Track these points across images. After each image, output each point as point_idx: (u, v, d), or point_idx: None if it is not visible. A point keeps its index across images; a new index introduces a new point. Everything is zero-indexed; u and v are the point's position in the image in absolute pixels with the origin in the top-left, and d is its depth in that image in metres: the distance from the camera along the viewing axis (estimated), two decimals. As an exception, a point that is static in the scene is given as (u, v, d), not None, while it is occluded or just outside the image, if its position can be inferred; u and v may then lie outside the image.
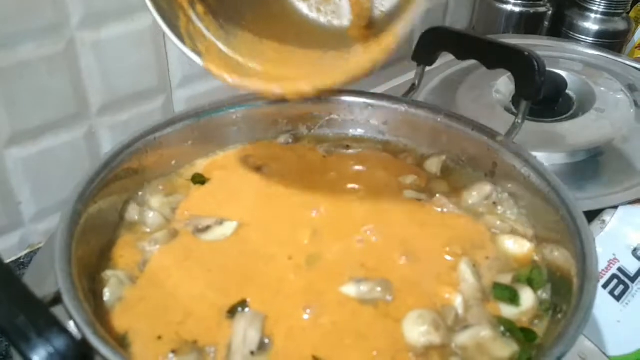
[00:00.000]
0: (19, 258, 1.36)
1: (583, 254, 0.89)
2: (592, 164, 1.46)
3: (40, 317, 0.58)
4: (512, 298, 0.94)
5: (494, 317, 0.92)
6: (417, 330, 0.87)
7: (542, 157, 1.25)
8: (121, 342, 0.85)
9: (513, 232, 1.09)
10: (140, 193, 1.14)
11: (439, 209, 1.14)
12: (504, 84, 1.76)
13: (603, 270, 1.22)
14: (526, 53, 1.17)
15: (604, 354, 1.13)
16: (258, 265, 0.99)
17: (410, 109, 1.29)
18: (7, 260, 1.32)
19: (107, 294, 0.92)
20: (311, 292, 0.94)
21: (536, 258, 1.04)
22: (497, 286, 0.97)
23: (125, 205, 1.10)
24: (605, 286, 1.20)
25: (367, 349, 0.86)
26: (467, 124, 1.23)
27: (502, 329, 0.90)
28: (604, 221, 1.27)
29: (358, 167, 1.25)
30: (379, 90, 1.88)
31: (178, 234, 1.06)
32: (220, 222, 1.07)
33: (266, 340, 0.86)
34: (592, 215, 1.28)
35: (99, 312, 0.89)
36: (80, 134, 1.47)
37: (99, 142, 1.50)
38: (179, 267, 0.99)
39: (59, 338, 0.55)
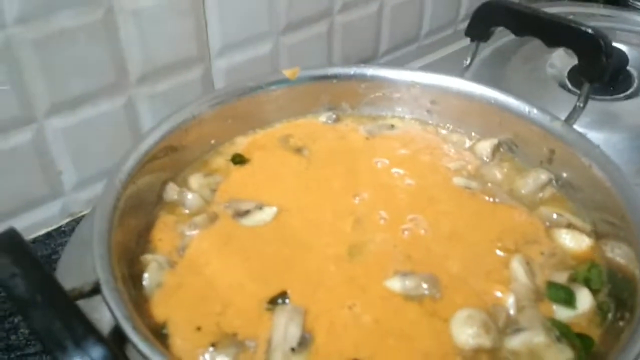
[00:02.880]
0: (60, 227, 1.36)
1: (651, 256, 0.82)
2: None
3: (78, 324, 0.56)
4: (568, 299, 0.89)
5: (547, 319, 0.86)
6: (466, 332, 0.82)
7: (599, 138, 1.17)
8: (159, 332, 0.83)
9: (570, 226, 1.02)
10: (179, 173, 1.11)
11: (490, 199, 1.07)
12: (559, 57, 1.65)
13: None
14: (591, 32, 1.08)
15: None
16: (298, 254, 0.95)
17: (462, 88, 1.21)
18: (49, 229, 1.33)
19: (146, 279, 0.90)
20: (353, 286, 0.90)
21: (595, 256, 0.97)
22: (551, 286, 0.91)
23: (163, 186, 1.08)
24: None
25: (411, 351, 0.82)
26: (524, 106, 1.15)
27: (556, 333, 0.84)
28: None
29: (403, 151, 1.19)
30: (419, 63, 1.78)
31: (217, 217, 1.03)
32: (260, 207, 1.03)
33: (307, 336, 0.83)
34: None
35: (138, 300, 0.87)
36: (120, 104, 1.44)
37: (138, 112, 1.47)
38: (218, 253, 0.96)
39: (95, 348, 0.53)
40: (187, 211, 1.05)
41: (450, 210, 1.04)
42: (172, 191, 1.07)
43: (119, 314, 0.72)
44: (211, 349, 0.81)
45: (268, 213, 1.03)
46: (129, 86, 1.42)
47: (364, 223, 1.01)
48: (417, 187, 1.09)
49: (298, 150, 1.18)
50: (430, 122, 1.27)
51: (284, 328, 0.83)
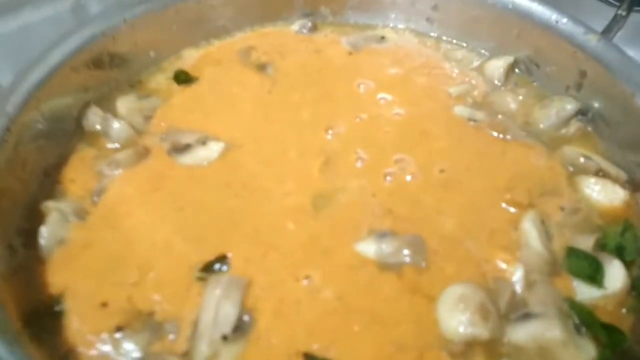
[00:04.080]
0: None
1: None
2: None
3: None
4: (593, 273, 0.68)
5: (565, 300, 0.66)
6: (457, 318, 0.62)
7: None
8: (51, 309, 0.63)
9: (600, 173, 0.79)
10: (105, 95, 0.87)
11: (500, 135, 0.84)
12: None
13: None
14: None
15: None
16: (248, 205, 0.74)
17: (472, -10, 0.95)
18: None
19: (44, 235, 0.70)
20: (314, 250, 0.69)
21: (631, 214, 0.75)
22: (572, 253, 0.70)
23: (84, 110, 0.84)
24: None
25: (382, 341, 0.62)
26: (550, 13, 0.89)
27: (575, 320, 0.64)
28: None
29: (394, 70, 0.94)
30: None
31: (149, 153, 0.81)
32: (204, 141, 0.81)
33: (246, 319, 0.63)
34: None
35: (28, 263, 0.67)
36: (66, 7, 1.17)
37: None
38: (144, 202, 0.74)
39: None
40: (112, 145, 0.82)
41: (447, 149, 0.82)
42: (94, 117, 0.84)
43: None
44: (117, 334, 0.62)
45: (214, 149, 0.80)
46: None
47: (336, 165, 0.79)
48: (407, 118, 0.86)
49: (261, 68, 0.94)
50: (430, 34, 1.01)
51: (216, 307, 0.63)
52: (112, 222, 0.72)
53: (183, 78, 0.91)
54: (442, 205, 0.75)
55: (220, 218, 0.73)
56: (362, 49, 0.98)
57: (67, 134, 0.82)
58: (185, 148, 0.80)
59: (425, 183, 0.77)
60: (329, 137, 0.82)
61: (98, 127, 0.83)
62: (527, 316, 0.64)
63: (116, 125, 0.82)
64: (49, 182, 0.77)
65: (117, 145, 0.82)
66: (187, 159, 0.79)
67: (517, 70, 0.96)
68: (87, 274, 0.67)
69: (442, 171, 0.79)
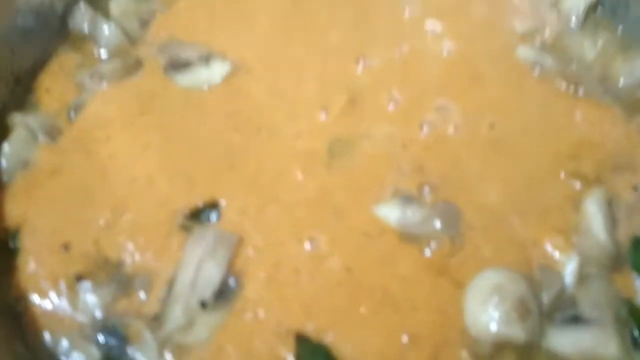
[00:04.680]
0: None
1: None
2: None
3: None
4: (665, 273, 0.54)
5: (624, 302, 0.53)
6: (488, 312, 0.50)
7: None
8: (5, 244, 0.53)
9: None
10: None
11: (570, 88, 0.68)
12: None
13: None
14: None
15: None
16: (250, 144, 0.62)
17: None
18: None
19: (5, 154, 0.59)
20: (324, 207, 0.57)
21: None
22: (639, 244, 0.56)
23: (71, 7, 0.71)
24: None
25: (394, 328, 0.51)
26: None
27: (635, 332, 0.51)
28: None
29: (448, -7, 0.77)
30: None
31: (141, 67, 0.68)
32: (207, 59, 0.67)
33: (231, 283, 0.52)
34: None
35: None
36: None
37: None
38: (128, 126, 0.63)
39: None
40: (99, 52, 0.69)
41: (502, 100, 0.67)
42: (82, 16, 0.70)
43: None
44: (77, 283, 0.51)
45: (217, 70, 0.67)
46: None
47: (363, 106, 0.65)
48: (458, 56, 0.70)
49: None
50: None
51: (198, 265, 0.52)
52: (87, 146, 0.61)
53: (194, -21, 0.76)
54: (487, 169, 0.61)
55: (215, 156, 0.60)
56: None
57: (48, 35, 0.70)
58: (185, 65, 0.67)
59: (470, 139, 0.63)
60: (359, 69, 0.68)
61: (86, 29, 0.70)
62: (575, 320, 0.52)
63: (106, 28, 0.70)
64: (20, 91, 0.66)
65: (105, 53, 0.69)
66: (185, 79, 0.66)
67: (600, 9, 0.77)
68: (50, 206, 0.57)
69: (492, 126, 0.65)
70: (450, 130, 0.64)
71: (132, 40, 0.70)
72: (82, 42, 0.70)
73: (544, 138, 0.64)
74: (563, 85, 0.69)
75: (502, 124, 0.65)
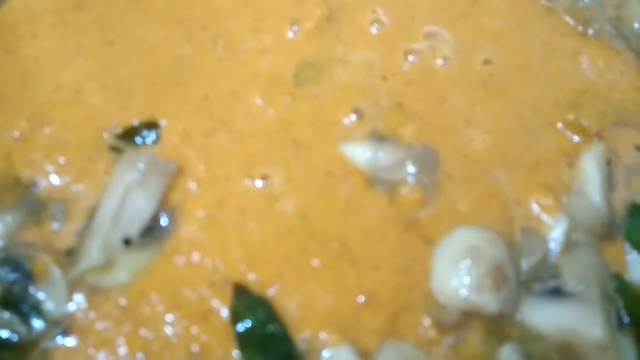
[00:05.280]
0: None
1: None
2: None
3: None
4: (659, 247, 0.48)
5: (612, 277, 0.47)
6: (458, 276, 0.44)
7: None
8: None
9: None
10: None
11: (579, 27, 0.60)
12: None
13: None
14: None
15: None
16: (203, 57, 0.54)
17: None
18: None
19: None
20: (283, 139, 0.50)
21: None
22: (637, 213, 0.50)
23: None
24: None
25: (349, 286, 0.45)
26: None
27: (619, 309, 0.45)
28: None
29: None
30: None
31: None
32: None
33: (163, 220, 0.44)
34: None
35: None
36: None
37: None
38: (59, 22, 0.54)
39: None
40: None
41: (501, 33, 0.59)
42: None
43: None
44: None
45: None
46: None
47: (341, 24, 0.56)
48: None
49: None
50: None
51: (124, 194, 0.43)
52: (8, 43, 0.51)
53: None
54: (475, 111, 0.53)
55: (160, 68, 0.52)
56: None
57: None
58: (135, -45, 0.56)
59: (459, 75, 0.55)
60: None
61: None
62: (557, 292, 0.46)
63: None
64: None
65: None
66: (134, -29, 0.55)
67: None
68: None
69: (487, 62, 0.56)
70: (439, 62, 0.55)
71: None
72: None
73: (543, 81, 0.56)
74: (571, 22, 0.60)
75: (497, 61, 0.57)
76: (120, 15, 0.53)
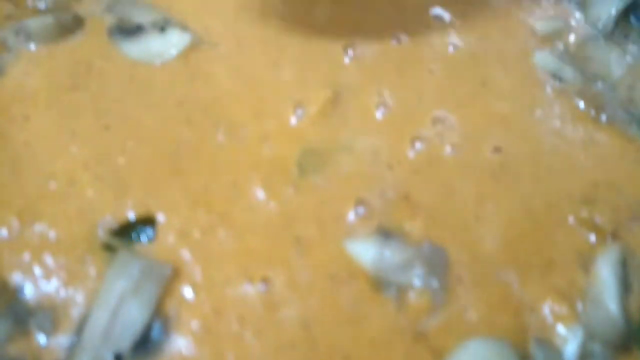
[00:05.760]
0: None
1: None
2: None
3: None
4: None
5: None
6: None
7: None
8: None
9: None
10: None
11: (592, 111, 0.58)
12: None
13: None
14: None
15: None
16: (203, 143, 0.50)
17: None
18: None
19: None
20: (285, 237, 0.47)
21: None
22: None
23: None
24: None
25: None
26: None
27: None
28: None
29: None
30: None
31: (82, 25, 0.55)
32: (163, 26, 0.54)
33: (156, 329, 0.41)
34: None
35: None
36: None
37: None
38: (53, 103, 0.50)
39: None
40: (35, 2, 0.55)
41: (511, 117, 0.57)
42: None
43: None
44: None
45: (174, 41, 0.54)
46: None
47: (347, 108, 0.53)
48: (466, 54, 0.59)
49: None
50: None
51: (117, 304, 0.41)
52: (1, 125, 0.48)
53: None
54: (485, 206, 0.51)
55: (158, 155, 0.49)
56: None
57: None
58: (136, 31, 0.54)
59: (468, 164, 0.53)
60: (346, 59, 0.55)
61: None
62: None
63: None
64: None
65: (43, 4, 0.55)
66: (134, 49, 0.54)
67: (633, 17, 0.66)
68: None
69: (496, 150, 0.54)
70: (447, 150, 0.53)
71: (80, -12, 0.56)
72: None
73: (555, 172, 0.54)
74: (579, 105, 0.59)
75: (507, 149, 0.54)
76: (118, 95, 0.51)
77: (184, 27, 0.55)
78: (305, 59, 0.55)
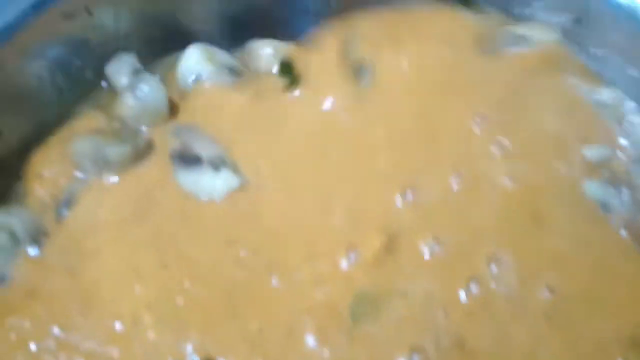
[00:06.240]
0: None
1: None
2: None
3: None
4: None
5: None
6: None
7: None
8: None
9: None
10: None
11: (637, 243, 0.57)
12: None
13: None
14: None
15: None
16: (257, 285, 0.52)
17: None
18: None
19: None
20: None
21: None
22: None
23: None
24: None
25: None
26: None
27: None
28: None
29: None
30: None
31: (151, 151, 0.57)
32: (218, 164, 0.56)
33: None
34: None
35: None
36: None
37: None
38: (120, 236, 0.53)
39: None
40: (124, 111, 0.59)
41: (564, 252, 0.56)
42: (122, 67, 0.60)
43: None
44: None
45: (223, 182, 0.56)
46: None
47: (401, 252, 0.53)
48: (520, 186, 0.59)
49: (357, 71, 0.65)
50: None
51: None
52: (73, 261, 0.52)
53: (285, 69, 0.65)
54: (537, 350, 0.51)
55: (215, 296, 0.51)
56: (498, 53, 0.67)
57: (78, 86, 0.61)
58: (194, 162, 0.57)
59: (523, 306, 0.53)
60: (398, 202, 0.56)
61: (124, 81, 0.60)
62: None
63: (147, 89, 0.59)
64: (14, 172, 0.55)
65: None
66: (188, 179, 0.56)
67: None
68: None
69: (551, 290, 0.54)
70: (502, 291, 0.53)
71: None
72: (110, 99, 0.61)
73: (606, 313, 0.53)
74: (623, 234, 0.57)
75: (561, 289, 0.54)
76: (173, 230, 0.53)
77: (235, 168, 0.57)
78: (360, 201, 0.56)
